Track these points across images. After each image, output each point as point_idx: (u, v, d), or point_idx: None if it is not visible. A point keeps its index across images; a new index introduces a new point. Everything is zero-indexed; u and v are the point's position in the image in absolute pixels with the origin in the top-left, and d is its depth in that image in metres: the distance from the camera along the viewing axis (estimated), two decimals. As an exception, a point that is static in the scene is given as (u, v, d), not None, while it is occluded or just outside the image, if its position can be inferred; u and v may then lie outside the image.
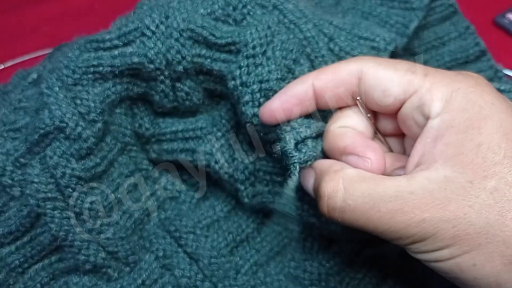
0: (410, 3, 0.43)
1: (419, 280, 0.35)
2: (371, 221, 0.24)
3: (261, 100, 0.32)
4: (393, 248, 0.35)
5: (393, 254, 0.35)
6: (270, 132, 0.32)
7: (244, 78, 0.32)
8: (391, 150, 0.30)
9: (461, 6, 0.47)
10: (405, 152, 0.30)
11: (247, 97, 0.32)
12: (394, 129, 0.29)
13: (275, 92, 0.31)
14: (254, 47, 0.33)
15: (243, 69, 0.33)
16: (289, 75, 0.32)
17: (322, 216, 0.30)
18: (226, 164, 0.36)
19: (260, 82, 0.32)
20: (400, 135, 0.29)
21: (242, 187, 0.37)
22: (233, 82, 0.33)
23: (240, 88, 0.32)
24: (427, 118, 0.25)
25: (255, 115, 0.32)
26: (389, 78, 0.26)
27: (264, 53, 0.33)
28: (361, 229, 0.25)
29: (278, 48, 0.33)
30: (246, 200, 0.37)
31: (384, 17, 0.43)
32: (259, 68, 0.32)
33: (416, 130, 0.26)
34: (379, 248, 0.36)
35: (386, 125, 0.30)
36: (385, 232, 0.24)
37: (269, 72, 0.32)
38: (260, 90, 0.32)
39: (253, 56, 0.33)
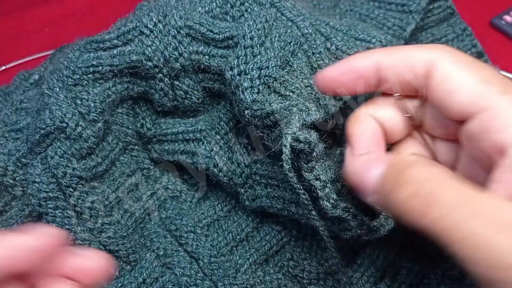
0: (408, 6, 0.43)
1: (416, 279, 0.35)
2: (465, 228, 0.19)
3: (260, 87, 0.31)
4: (390, 247, 0.36)
5: (390, 253, 0.36)
6: (266, 124, 0.31)
7: (242, 67, 0.32)
8: (434, 157, 0.27)
9: (458, 8, 0.48)
10: (456, 162, 0.26)
11: (246, 84, 0.32)
12: (447, 134, 0.26)
13: (275, 79, 0.31)
14: (252, 38, 0.33)
15: (241, 58, 0.33)
16: (287, 67, 0.33)
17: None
18: (224, 168, 0.36)
19: (259, 68, 0.32)
20: (452, 140, 0.26)
21: (242, 190, 0.37)
22: (230, 72, 0.33)
23: (238, 77, 0.32)
24: (500, 146, 0.21)
25: (255, 101, 0.31)
26: (461, 82, 0.23)
27: (262, 44, 0.33)
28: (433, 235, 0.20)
29: (276, 39, 0.33)
30: (247, 203, 0.37)
31: (382, 20, 0.43)
32: (258, 57, 0.32)
33: (481, 154, 0.23)
34: (377, 247, 0.36)
35: (437, 128, 0.26)
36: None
37: (268, 59, 0.32)
38: (259, 76, 0.31)
39: (251, 46, 0.33)
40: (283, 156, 0.26)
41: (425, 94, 0.25)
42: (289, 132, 0.26)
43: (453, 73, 0.23)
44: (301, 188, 0.27)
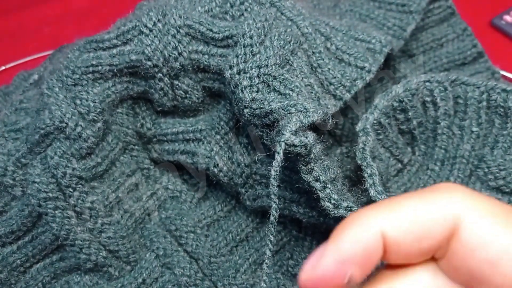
0: (408, 6, 0.43)
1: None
2: None
3: (259, 85, 0.31)
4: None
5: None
6: (266, 123, 0.31)
7: (241, 65, 0.32)
8: None
9: (458, 7, 0.48)
10: None
11: (245, 82, 0.32)
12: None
13: (274, 78, 0.31)
14: (251, 37, 0.33)
15: (240, 57, 0.33)
16: (287, 65, 0.32)
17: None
18: (225, 168, 0.36)
19: (259, 67, 0.32)
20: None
21: (243, 190, 0.37)
22: (230, 71, 0.33)
23: (237, 76, 0.32)
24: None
25: (254, 99, 0.31)
26: (501, 245, 0.18)
27: (261, 42, 0.33)
28: None
29: (275, 38, 0.33)
30: (248, 203, 0.37)
31: (382, 20, 0.43)
32: (257, 56, 0.32)
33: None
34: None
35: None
36: None
37: (267, 58, 0.32)
38: (259, 75, 0.31)
39: (251, 45, 0.33)
40: (273, 163, 0.26)
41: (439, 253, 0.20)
42: (282, 139, 0.27)
43: (487, 231, 0.18)
44: (277, 202, 0.28)
